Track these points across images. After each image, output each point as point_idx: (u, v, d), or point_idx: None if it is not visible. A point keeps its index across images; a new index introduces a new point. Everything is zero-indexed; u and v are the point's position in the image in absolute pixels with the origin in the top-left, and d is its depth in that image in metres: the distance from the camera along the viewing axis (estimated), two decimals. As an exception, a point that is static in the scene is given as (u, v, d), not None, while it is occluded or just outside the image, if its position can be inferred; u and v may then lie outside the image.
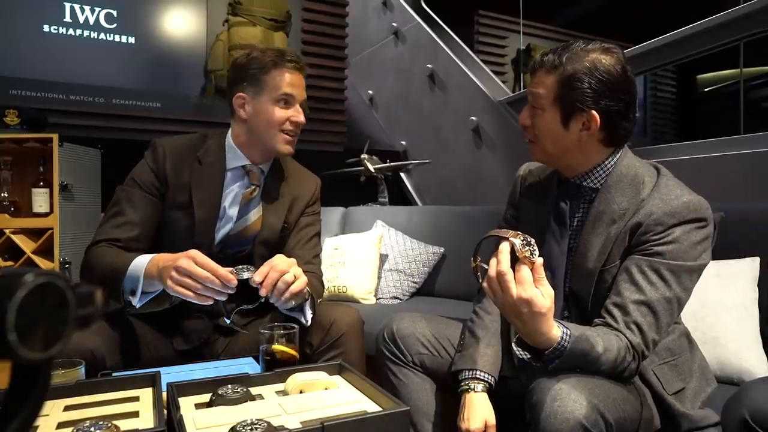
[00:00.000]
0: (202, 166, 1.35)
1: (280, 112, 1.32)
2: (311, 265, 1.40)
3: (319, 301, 1.30)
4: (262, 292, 1.10)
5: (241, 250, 1.36)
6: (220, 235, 1.34)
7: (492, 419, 1.11)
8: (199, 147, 1.37)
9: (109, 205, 1.32)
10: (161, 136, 1.41)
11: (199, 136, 1.41)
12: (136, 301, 1.16)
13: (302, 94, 1.35)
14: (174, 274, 1.05)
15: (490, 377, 1.15)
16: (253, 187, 1.37)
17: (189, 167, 1.34)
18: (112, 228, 1.27)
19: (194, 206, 1.31)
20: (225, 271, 1.06)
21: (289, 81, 1.32)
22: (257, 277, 1.10)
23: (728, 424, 0.83)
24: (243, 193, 1.36)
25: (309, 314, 1.22)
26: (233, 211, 1.35)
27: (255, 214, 1.36)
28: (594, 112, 1.03)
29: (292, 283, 1.11)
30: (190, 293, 1.05)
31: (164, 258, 1.13)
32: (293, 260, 1.16)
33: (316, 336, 1.23)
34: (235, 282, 1.07)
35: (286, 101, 1.32)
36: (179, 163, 1.33)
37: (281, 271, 1.10)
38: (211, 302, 1.08)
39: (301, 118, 1.34)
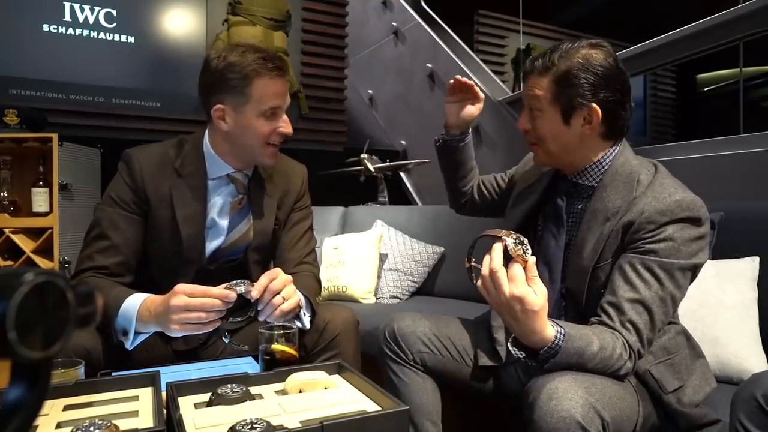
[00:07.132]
0: (182, 177, 1.26)
1: (266, 126, 1.21)
2: (305, 264, 1.37)
3: (318, 298, 1.29)
4: (255, 294, 1.07)
5: (233, 260, 1.32)
6: (211, 248, 1.28)
7: None
8: (176, 156, 1.28)
9: (90, 226, 1.24)
10: (163, 137, 1.36)
11: (175, 142, 1.31)
12: (128, 344, 1.10)
13: (288, 101, 1.25)
14: (174, 317, 1.01)
15: None
16: (241, 196, 1.30)
17: (168, 180, 1.25)
18: (98, 254, 1.20)
19: (179, 223, 1.23)
20: (219, 290, 1.03)
21: (275, 91, 1.20)
22: (255, 292, 1.07)
23: (739, 407, 0.83)
24: (231, 202, 1.29)
25: (306, 319, 1.20)
26: (224, 223, 1.28)
27: (246, 224, 1.30)
28: (594, 105, 1.04)
29: (282, 303, 1.09)
30: (200, 325, 1.02)
31: (155, 302, 1.07)
32: (288, 278, 1.12)
33: (310, 338, 1.21)
34: (234, 296, 1.04)
35: (273, 113, 1.22)
36: (157, 176, 1.24)
37: (274, 291, 1.08)
38: (218, 325, 1.05)
39: (289, 130, 1.25)
